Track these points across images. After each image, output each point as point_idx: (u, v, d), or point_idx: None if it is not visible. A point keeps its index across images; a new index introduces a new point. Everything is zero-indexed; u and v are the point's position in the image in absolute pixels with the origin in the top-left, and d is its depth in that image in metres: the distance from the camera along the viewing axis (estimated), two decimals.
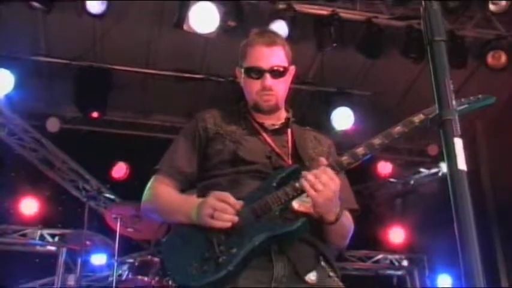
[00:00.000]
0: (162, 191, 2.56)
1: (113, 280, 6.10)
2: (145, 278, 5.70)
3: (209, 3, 6.57)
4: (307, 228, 2.31)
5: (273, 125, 2.65)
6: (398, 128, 2.40)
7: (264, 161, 2.50)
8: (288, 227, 2.27)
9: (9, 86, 7.21)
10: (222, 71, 7.57)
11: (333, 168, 2.34)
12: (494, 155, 9.00)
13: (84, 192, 8.17)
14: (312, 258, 2.38)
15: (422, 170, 9.49)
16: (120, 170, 8.13)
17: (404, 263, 9.39)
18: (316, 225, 2.39)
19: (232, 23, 6.76)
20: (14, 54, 7.28)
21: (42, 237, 8.00)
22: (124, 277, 6.23)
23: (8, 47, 7.20)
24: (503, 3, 6.98)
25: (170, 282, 2.34)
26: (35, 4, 6.42)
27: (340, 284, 2.41)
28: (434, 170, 9.32)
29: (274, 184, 2.37)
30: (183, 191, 2.59)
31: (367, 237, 8.33)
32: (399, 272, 9.46)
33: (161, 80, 8.07)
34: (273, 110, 2.64)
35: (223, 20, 6.68)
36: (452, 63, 1.58)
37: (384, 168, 9.32)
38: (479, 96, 2.47)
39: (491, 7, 7.04)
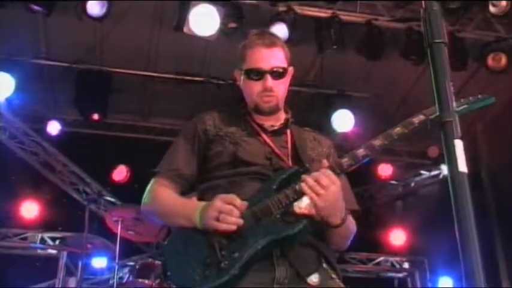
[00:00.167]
0: (162, 194, 2.55)
1: (113, 283, 6.10)
2: (146, 281, 5.71)
3: (209, 6, 6.57)
4: (309, 231, 2.31)
5: (273, 126, 2.64)
6: (398, 129, 2.40)
7: (263, 162, 2.49)
8: (289, 230, 2.26)
9: (10, 89, 7.22)
10: (222, 73, 7.57)
11: (333, 170, 2.34)
12: (494, 156, 9.00)
13: (85, 195, 8.19)
14: (314, 261, 2.37)
15: (422, 172, 9.50)
16: (120, 172, 8.14)
17: (406, 265, 9.38)
18: (317, 228, 2.39)
19: (232, 26, 6.76)
20: (15, 57, 7.29)
21: (43, 241, 7.99)
22: (125, 280, 6.24)
23: (9, 50, 7.21)
24: (504, 4, 6.98)
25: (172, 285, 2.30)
26: (35, 7, 6.42)
27: (342, 285, 2.41)
28: (434, 172, 9.33)
29: (275, 187, 2.36)
30: (183, 193, 2.58)
31: (368, 240, 8.31)
32: (400, 274, 9.45)
33: (161, 83, 8.07)
34: (274, 111, 2.64)
35: (224, 23, 6.68)
36: (452, 65, 1.57)
37: (385, 170, 9.32)
38: (479, 96, 2.47)
39: (492, 9, 7.03)
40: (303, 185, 2.26)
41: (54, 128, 8.07)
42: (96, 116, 7.86)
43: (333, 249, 2.54)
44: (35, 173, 8.21)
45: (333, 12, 7.06)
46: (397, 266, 9.38)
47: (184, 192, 2.59)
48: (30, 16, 6.74)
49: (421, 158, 9.30)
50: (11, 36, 7.04)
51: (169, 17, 6.98)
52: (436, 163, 9.09)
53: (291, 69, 2.67)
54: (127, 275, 6.34)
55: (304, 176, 2.28)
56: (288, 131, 2.65)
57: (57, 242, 7.98)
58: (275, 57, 2.60)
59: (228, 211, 2.25)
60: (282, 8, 6.91)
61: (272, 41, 2.63)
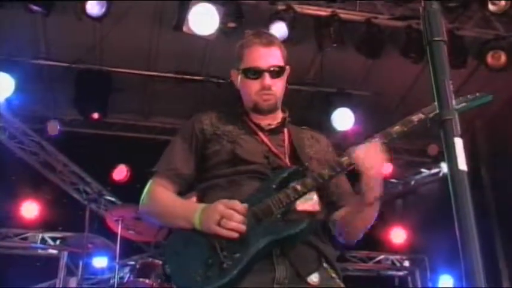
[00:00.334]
0: (160, 195, 2.54)
1: (114, 283, 6.11)
2: (147, 281, 5.71)
3: (209, 5, 6.57)
4: (311, 230, 2.31)
5: (270, 125, 2.64)
6: (397, 128, 2.41)
7: (261, 160, 2.49)
8: (291, 230, 2.26)
9: (10, 89, 7.22)
10: (222, 72, 7.56)
11: (333, 168, 2.34)
12: (494, 154, 9.00)
13: (85, 195, 8.19)
14: (314, 260, 2.37)
15: (422, 170, 9.50)
16: (120, 172, 8.13)
17: (406, 263, 9.39)
18: (317, 227, 2.40)
19: (232, 25, 6.76)
20: (14, 57, 7.28)
21: (43, 241, 7.99)
22: (125, 280, 6.24)
23: (8, 50, 7.21)
24: (503, 3, 6.97)
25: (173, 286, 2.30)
26: (34, 7, 6.42)
27: (342, 285, 2.41)
28: (434, 170, 9.33)
29: (274, 186, 2.36)
30: (181, 193, 2.57)
31: (369, 238, 8.19)
32: (401, 273, 9.46)
33: (161, 82, 8.07)
34: (272, 109, 2.64)
35: (223, 22, 6.67)
36: (451, 63, 1.57)
37: (384, 168, 9.30)
38: (477, 94, 2.48)
39: (491, 7, 7.03)
40: (353, 156, 2.29)
41: (54, 128, 8.06)
42: (96, 115, 7.85)
43: (346, 241, 2.57)
44: (35, 173, 8.20)
45: (332, 10, 7.06)
46: (398, 264, 9.39)
47: (183, 192, 2.59)
48: (29, 16, 6.74)
49: (421, 156, 9.29)
50: (10, 36, 7.03)
51: (168, 16, 6.98)
52: (435, 161, 9.09)
53: (288, 69, 2.67)
54: (127, 275, 6.34)
55: (351, 148, 2.33)
56: (285, 130, 2.65)
57: (57, 242, 7.98)
58: (273, 56, 2.60)
59: (229, 216, 2.25)
60: (281, 6, 6.91)
61: (269, 40, 2.64)
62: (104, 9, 6.55)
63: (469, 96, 2.46)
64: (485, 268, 1.42)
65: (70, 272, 7.54)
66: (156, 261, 5.78)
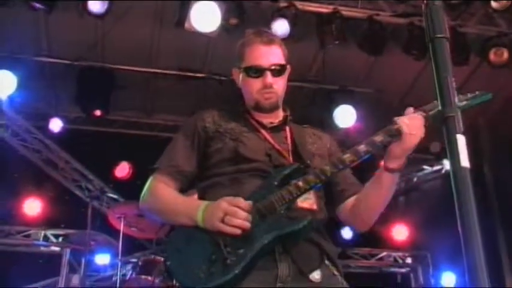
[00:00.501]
0: (162, 192, 2.53)
1: (117, 280, 6.11)
2: (149, 278, 5.71)
3: (210, 2, 6.56)
4: (313, 227, 2.31)
5: (271, 123, 2.64)
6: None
7: (264, 158, 2.49)
8: (294, 226, 2.26)
9: (12, 87, 7.22)
10: (224, 69, 7.55)
11: (335, 165, 2.35)
12: (497, 151, 8.99)
13: (88, 192, 8.21)
14: (316, 257, 2.37)
15: (425, 167, 9.49)
16: (123, 169, 8.13)
17: (408, 260, 9.40)
18: (318, 224, 2.40)
19: (234, 22, 6.76)
20: (16, 55, 7.29)
21: (46, 238, 8.01)
22: (128, 277, 6.23)
23: (10, 48, 7.21)
24: (505, 0, 6.96)
25: (175, 283, 2.29)
26: (37, 5, 6.42)
27: (344, 282, 2.41)
28: (437, 167, 9.33)
29: (276, 183, 2.36)
30: (182, 190, 2.56)
31: (371, 235, 8.23)
32: (403, 270, 9.46)
33: (163, 79, 8.07)
34: (274, 108, 2.64)
35: (225, 19, 6.67)
36: (454, 60, 1.57)
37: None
38: (477, 92, 2.48)
39: (493, 4, 7.02)
40: (400, 123, 2.34)
41: (56, 125, 8.08)
42: (98, 112, 7.86)
43: (358, 226, 2.64)
44: (38, 170, 8.22)
45: (334, 7, 7.05)
46: (400, 261, 9.39)
47: (184, 189, 2.58)
48: (31, 14, 6.74)
49: (423, 153, 9.26)
50: (12, 34, 7.04)
51: (170, 13, 6.99)
52: (438, 158, 9.09)
53: (289, 67, 2.67)
54: (130, 272, 6.34)
55: (398, 118, 2.37)
56: (287, 128, 2.66)
57: (60, 239, 8.00)
58: (274, 55, 2.60)
59: (233, 213, 2.24)
60: (283, 3, 6.90)
61: (270, 38, 2.64)
62: (105, 7, 6.56)
63: (469, 94, 2.46)
64: (488, 265, 1.42)
65: (72, 269, 7.56)
66: (158, 258, 5.78)
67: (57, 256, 7.72)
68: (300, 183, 2.31)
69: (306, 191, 2.32)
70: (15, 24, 6.98)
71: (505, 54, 7.41)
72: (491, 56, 7.44)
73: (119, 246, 6.21)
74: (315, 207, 2.37)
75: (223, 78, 7.73)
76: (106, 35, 7.32)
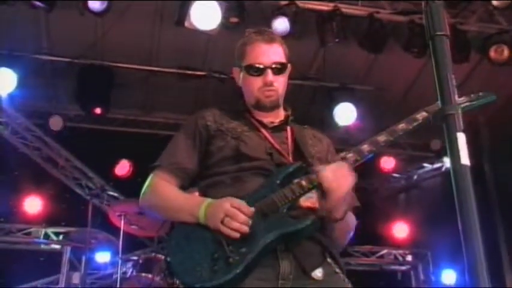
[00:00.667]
0: (163, 188, 2.52)
1: (117, 278, 6.11)
2: (150, 275, 5.71)
3: (211, 0, 6.56)
4: (316, 226, 2.30)
5: (272, 122, 2.64)
6: (402, 125, 2.44)
7: (265, 157, 2.48)
8: (297, 225, 2.25)
9: (12, 84, 7.23)
10: (224, 67, 7.56)
11: None
12: (497, 149, 8.99)
13: (88, 190, 8.20)
14: (318, 255, 2.36)
15: (425, 165, 9.50)
16: (123, 167, 8.13)
17: (409, 258, 9.39)
18: (321, 222, 2.39)
19: (234, 20, 6.76)
20: (17, 53, 7.29)
21: (46, 236, 8.00)
22: (128, 275, 6.23)
23: (10, 46, 7.21)
24: None
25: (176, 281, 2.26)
26: (37, 3, 6.42)
27: (346, 280, 2.41)
28: (437, 165, 9.33)
29: (278, 181, 2.36)
30: (183, 187, 2.55)
31: (371, 233, 8.32)
32: (403, 267, 9.46)
33: (163, 77, 8.07)
34: (275, 106, 2.63)
35: (225, 17, 6.67)
36: (454, 57, 1.58)
37: (387, 163, 9.32)
38: (480, 93, 2.47)
39: (494, 2, 7.02)
40: (320, 175, 2.26)
41: (56, 123, 8.07)
42: (98, 110, 7.86)
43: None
44: (38, 168, 8.21)
45: (334, 5, 7.05)
46: (400, 258, 9.38)
47: (185, 187, 2.56)
48: (31, 12, 6.74)
49: (424, 150, 9.29)
50: (12, 31, 7.04)
51: (170, 11, 6.98)
52: (438, 156, 9.08)
53: (289, 66, 2.67)
54: (130, 270, 6.34)
55: (320, 167, 2.30)
56: (288, 128, 2.65)
57: (60, 237, 7.99)
58: (275, 53, 2.60)
59: (233, 215, 2.23)
60: (283, 1, 6.90)
61: (271, 37, 2.64)
62: (105, 5, 6.56)
63: (472, 95, 2.46)
64: (488, 263, 1.42)
65: (73, 267, 7.56)
66: (159, 256, 5.79)
67: (58, 254, 7.71)
68: (303, 182, 2.30)
69: (309, 190, 2.31)
70: (16, 22, 6.98)
71: (506, 52, 7.40)
72: (492, 53, 7.43)
73: (120, 244, 6.20)
74: (316, 205, 2.36)
75: (223, 76, 7.73)
76: (106, 33, 7.32)
